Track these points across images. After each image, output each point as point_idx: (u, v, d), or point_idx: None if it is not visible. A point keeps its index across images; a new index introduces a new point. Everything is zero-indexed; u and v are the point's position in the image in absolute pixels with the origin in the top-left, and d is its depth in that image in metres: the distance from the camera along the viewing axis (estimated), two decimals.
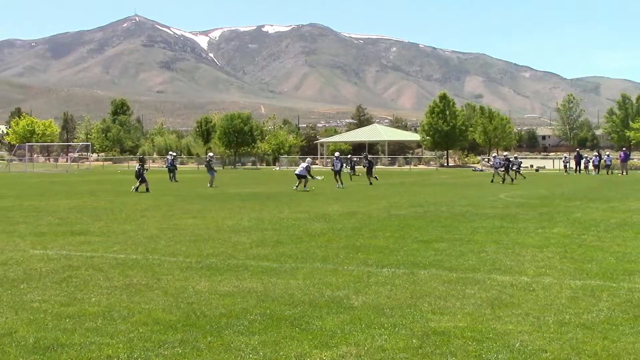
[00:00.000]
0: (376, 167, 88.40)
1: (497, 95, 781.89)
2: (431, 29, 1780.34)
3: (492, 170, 44.37)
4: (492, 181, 42.17)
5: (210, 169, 40.76)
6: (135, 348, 6.71)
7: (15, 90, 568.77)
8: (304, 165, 34.70)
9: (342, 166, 38.95)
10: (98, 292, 9.34)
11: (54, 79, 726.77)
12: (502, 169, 42.75)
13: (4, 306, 8.51)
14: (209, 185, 38.46)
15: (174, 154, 51.42)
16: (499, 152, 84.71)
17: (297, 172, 34.73)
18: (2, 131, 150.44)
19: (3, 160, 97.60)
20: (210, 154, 46.01)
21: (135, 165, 35.36)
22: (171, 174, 46.90)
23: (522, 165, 53.75)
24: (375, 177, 41.72)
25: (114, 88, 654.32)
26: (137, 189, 33.18)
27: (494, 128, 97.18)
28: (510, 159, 45.82)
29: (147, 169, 36.08)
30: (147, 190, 33.13)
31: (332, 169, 40.77)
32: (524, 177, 47.70)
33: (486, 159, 51.53)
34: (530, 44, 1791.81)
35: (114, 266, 11.38)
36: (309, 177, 34.24)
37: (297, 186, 34.00)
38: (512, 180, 42.53)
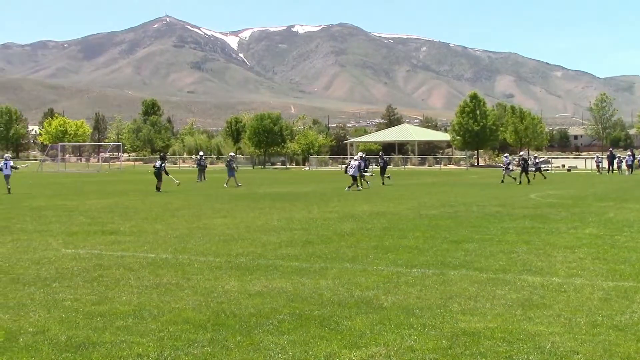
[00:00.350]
0: (406, 167, 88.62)
1: (528, 95, 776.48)
2: (462, 28, 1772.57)
3: (508, 171, 43.04)
4: (502, 181, 41.48)
5: (230, 169, 40.64)
6: (165, 347, 6.74)
7: (48, 91, 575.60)
8: (355, 164, 34.39)
9: (365, 167, 38.52)
10: (129, 291, 9.40)
11: (86, 80, 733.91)
12: (516, 169, 42.10)
13: (37, 304, 8.60)
14: (225, 185, 38.40)
15: (202, 153, 51.83)
16: (527, 151, 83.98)
17: (351, 173, 34.52)
18: (35, 131, 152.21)
19: (36, 160, 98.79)
20: (232, 153, 46.05)
21: (157, 162, 34.59)
22: (201, 174, 47.21)
23: (542, 165, 51.17)
24: (388, 177, 41.48)
25: (145, 88, 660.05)
26: (159, 186, 33.19)
27: (525, 128, 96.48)
28: (527, 159, 44.66)
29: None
30: (158, 189, 33.00)
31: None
32: (539, 177, 46.45)
33: (515, 159, 50.53)
34: (562, 42, 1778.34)
35: (144, 265, 11.45)
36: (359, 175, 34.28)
37: (355, 186, 34.03)
38: (529, 181, 40.92)
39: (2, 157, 37.64)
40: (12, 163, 34.97)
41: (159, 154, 40.80)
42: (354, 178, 34.03)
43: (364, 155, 39.57)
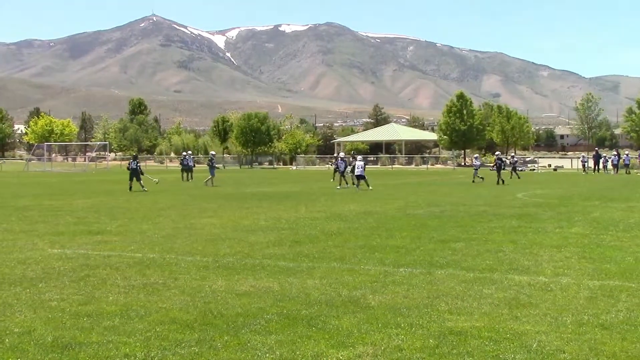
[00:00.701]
0: (393, 166, 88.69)
1: (515, 94, 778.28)
2: (448, 27, 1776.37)
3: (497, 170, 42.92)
4: (473, 181, 41.79)
5: (211, 168, 40.60)
6: (152, 347, 6.73)
7: (34, 90, 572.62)
8: (361, 164, 34.50)
9: (346, 167, 37.77)
10: (115, 291, 9.37)
11: (72, 79, 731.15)
12: (493, 169, 42.32)
13: (23, 305, 8.56)
14: (204, 183, 38.57)
15: (189, 152, 51.72)
16: (515, 151, 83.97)
17: (357, 173, 34.43)
18: (21, 131, 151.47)
19: (22, 159, 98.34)
20: (212, 152, 45.86)
21: (131, 163, 34.72)
22: (187, 173, 47.08)
23: (529, 164, 49.70)
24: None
25: (131, 88, 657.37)
26: (143, 187, 33.29)
27: (511, 127, 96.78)
28: (503, 159, 44.34)
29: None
30: (143, 187, 33.24)
31: (335, 170, 39.99)
32: (519, 177, 46.12)
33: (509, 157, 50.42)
34: (548, 42, 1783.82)
35: (131, 265, 11.42)
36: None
37: (365, 185, 34.06)
38: (503, 181, 39.84)
39: None
40: None
41: (132, 155, 41.16)
42: (362, 177, 34.12)
43: (343, 155, 39.08)
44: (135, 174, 34.03)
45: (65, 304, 8.60)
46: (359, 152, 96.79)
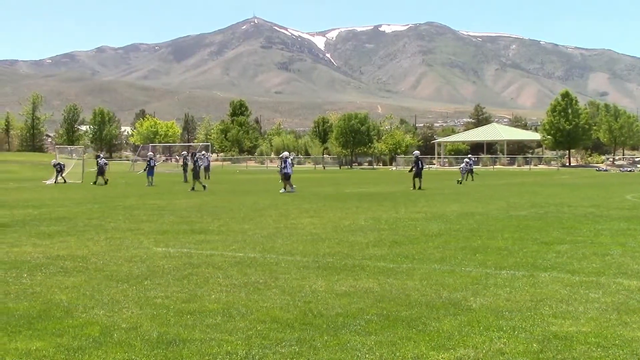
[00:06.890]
0: (495, 167, 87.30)
1: (623, 93, 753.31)
2: (553, 25, 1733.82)
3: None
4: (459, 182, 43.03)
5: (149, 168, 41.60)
6: (254, 345, 6.79)
7: (139, 93, 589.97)
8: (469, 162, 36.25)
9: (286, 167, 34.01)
10: (217, 289, 9.52)
11: (176, 81, 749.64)
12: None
13: (130, 301, 8.79)
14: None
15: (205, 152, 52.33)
16: (615, 152, 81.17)
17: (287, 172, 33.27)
18: (128, 132, 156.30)
19: (128, 160, 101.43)
20: (150, 153, 46.41)
21: (101, 160, 43.96)
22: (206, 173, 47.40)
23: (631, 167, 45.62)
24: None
25: (233, 89, 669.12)
26: (95, 182, 41.72)
27: (619, 127, 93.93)
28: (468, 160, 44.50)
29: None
30: (105, 182, 41.41)
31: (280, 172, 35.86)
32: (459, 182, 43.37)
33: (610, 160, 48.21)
34: None
35: (232, 264, 11.58)
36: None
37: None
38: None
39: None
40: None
41: (99, 155, 50.27)
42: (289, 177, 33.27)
43: (288, 155, 35.82)
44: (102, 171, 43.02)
45: (169, 301, 8.79)
46: (459, 152, 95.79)
